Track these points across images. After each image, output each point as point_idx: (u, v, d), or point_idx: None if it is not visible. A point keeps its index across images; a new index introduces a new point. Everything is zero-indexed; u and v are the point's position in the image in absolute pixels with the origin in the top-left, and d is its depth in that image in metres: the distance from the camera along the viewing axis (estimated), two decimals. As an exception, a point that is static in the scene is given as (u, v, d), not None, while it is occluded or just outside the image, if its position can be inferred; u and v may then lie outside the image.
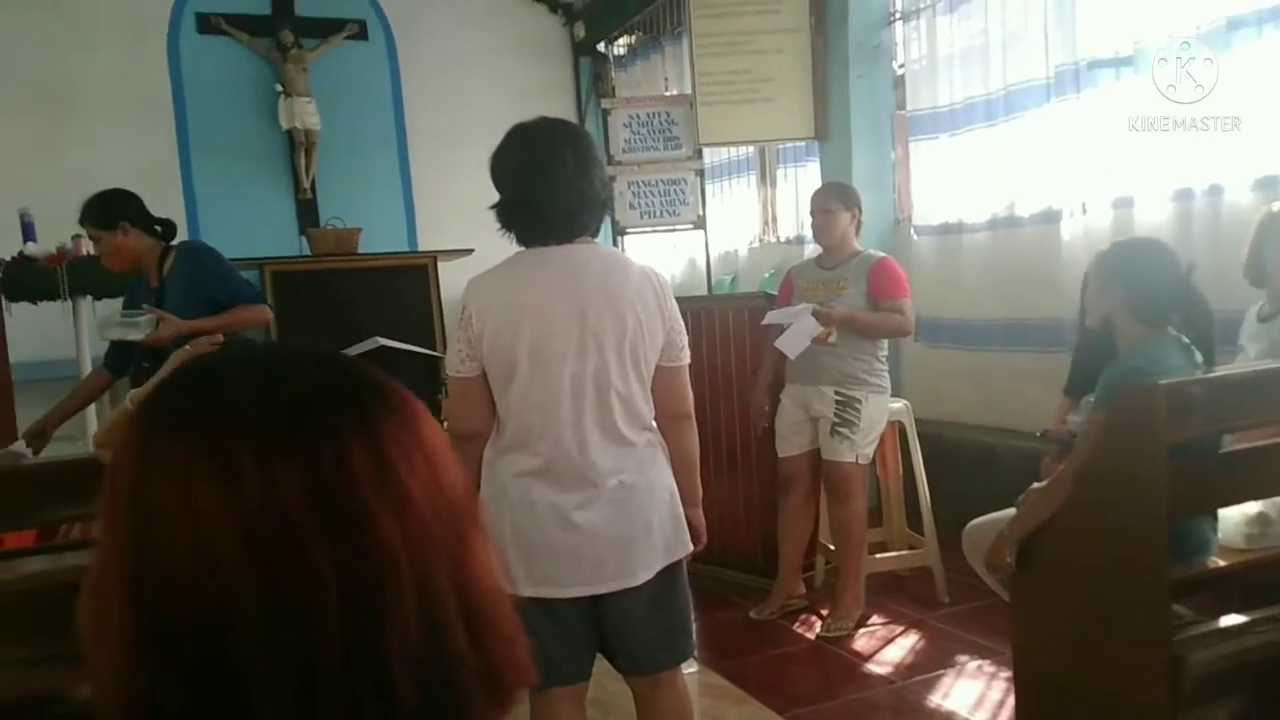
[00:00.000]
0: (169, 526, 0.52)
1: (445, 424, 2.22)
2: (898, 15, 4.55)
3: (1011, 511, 2.30)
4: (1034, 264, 3.85)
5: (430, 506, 0.57)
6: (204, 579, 0.51)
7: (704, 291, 5.07)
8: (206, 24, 5.79)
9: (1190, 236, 3.20)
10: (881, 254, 3.42)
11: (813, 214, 3.43)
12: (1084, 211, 3.63)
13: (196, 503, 0.52)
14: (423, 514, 0.56)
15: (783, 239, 5.49)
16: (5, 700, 1.34)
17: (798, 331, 3.26)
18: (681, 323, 1.95)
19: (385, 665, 0.54)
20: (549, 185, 1.82)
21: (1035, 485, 2.31)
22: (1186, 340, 2.17)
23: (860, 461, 3.30)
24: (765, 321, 3.41)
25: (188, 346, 2.06)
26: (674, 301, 1.94)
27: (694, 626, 2.06)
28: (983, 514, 2.55)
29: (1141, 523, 1.92)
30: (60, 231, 3.97)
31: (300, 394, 0.57)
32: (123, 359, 3.15)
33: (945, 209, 4.31)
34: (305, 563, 0.52)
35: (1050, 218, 3.79)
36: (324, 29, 5.98)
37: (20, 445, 2.96)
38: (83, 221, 3.00)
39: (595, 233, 1.94)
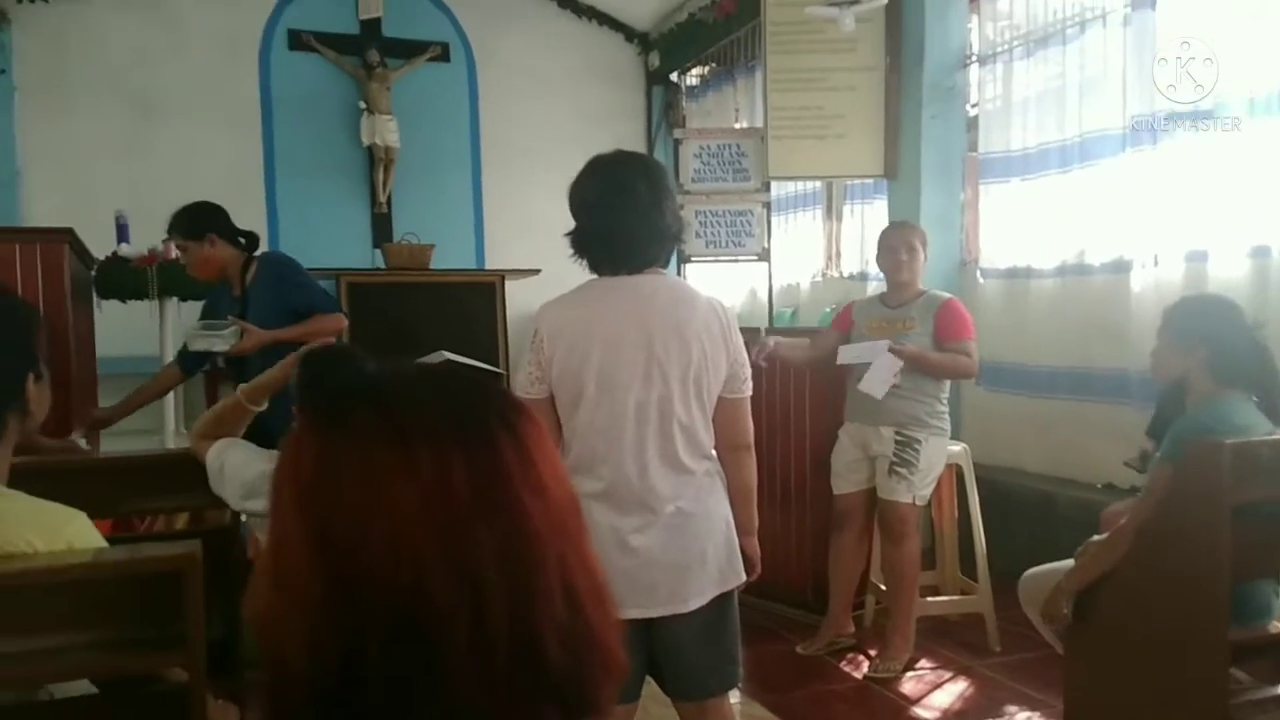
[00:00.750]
0: (361, 510, 0.62)
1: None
2: (974, 58, 4.56)
3: (1070, 562, 2.28)
4: (1102, 313, 3.81)
5: (558, 495, 0.68)
6: (396, 550, 0.61)
7: (764, 323, 5.09)
8: (298, 40, 6.02)
9: (1266, 293, 3.14)
10: (948, 295, 3.41)
11: (893, 249, 3.36)
12: (1155, 263, 3.57)
13: (385, 489, 0.62)
14: (555, 500, 0.67)
15: (845, 274, 5.49)
16: (102, 680, 1.43)
17: (879, 371, 3.22)
18: (745, 355, 2.00)
19: (538, 630, 0.63)
20: (623, 217, 1.89)
21: (1095, 537, 2.29)
22: (1255, 399, 2.14)
23: (917, 503, 3.29)
24: (840, 360, 3.36)
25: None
26: (739, 334, 1.98)
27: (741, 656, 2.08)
28: (1038, 563, 2.53)
29: (1202, 583, 1.90)
30: (152, 234, 4.14)
31: (461, 402, 0.68)
32: (196, 361, 3.29)
33: (1013, 253, 4.28)
34: (471, 536, 0.62)
35: (1121, 268, 3.74)
36: (409, 50, 6.17)
37: (77, 435, 3.07)
38: (170, 233, 3.12)
39: (665, 263, 2.00)
